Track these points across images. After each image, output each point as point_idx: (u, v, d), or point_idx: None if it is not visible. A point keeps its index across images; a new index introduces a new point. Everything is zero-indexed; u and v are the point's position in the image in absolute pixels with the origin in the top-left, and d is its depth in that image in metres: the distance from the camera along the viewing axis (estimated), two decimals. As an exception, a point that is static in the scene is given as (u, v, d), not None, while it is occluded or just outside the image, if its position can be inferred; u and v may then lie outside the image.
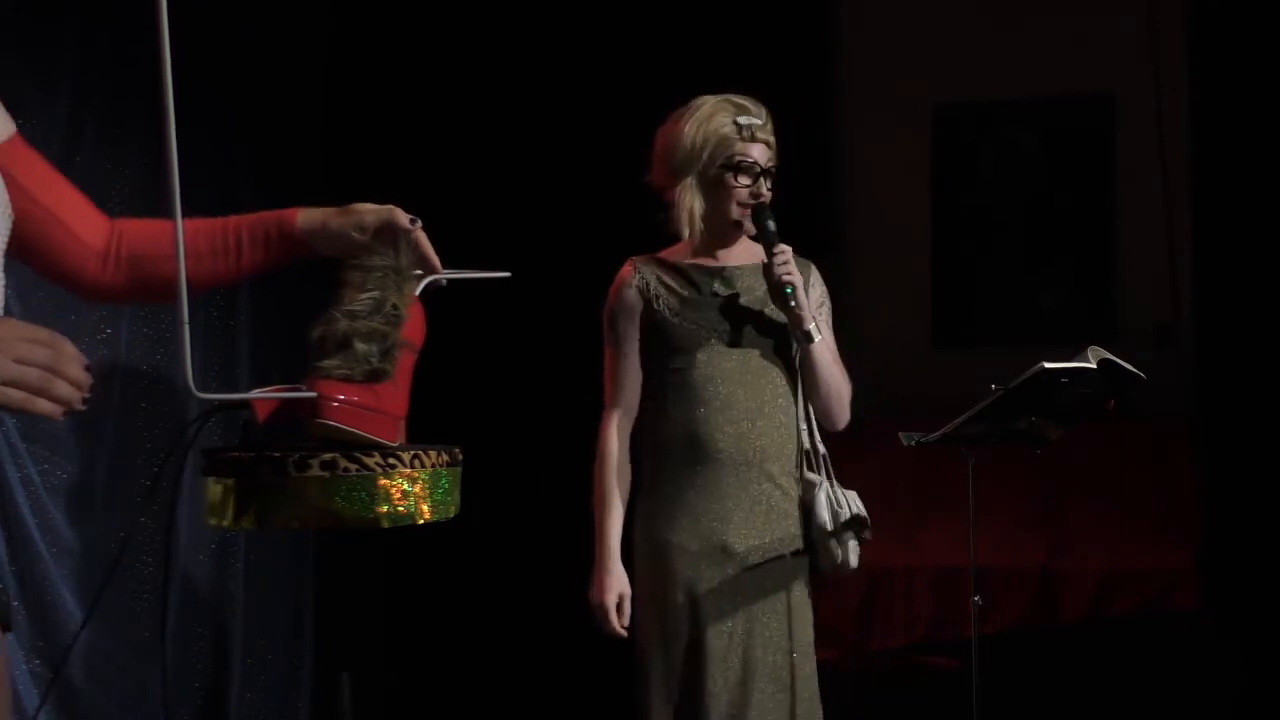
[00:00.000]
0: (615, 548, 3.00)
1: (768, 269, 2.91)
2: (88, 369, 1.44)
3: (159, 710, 3.46)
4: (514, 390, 4.93)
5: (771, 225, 2.93)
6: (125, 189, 3.53)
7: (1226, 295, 4.55)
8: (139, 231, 1.90)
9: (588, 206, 4.85)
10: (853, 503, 2.96)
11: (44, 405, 1.41)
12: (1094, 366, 3.05)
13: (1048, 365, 3.02)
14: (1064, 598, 4.17)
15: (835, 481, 2.99)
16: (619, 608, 2.97)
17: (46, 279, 1.87)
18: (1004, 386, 3.08)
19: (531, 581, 4.94)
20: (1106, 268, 5.07)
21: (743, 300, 2.99)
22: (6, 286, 1.70)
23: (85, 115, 3.43)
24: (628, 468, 3.05)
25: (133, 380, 3.54)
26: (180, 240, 1.49)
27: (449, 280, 1.92)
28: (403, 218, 1.86)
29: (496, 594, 4.96)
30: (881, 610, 4.34)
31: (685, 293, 2.99)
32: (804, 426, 3.00)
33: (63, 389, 1.41)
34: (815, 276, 3.07)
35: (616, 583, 2.98)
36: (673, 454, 2.97)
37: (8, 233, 1.72)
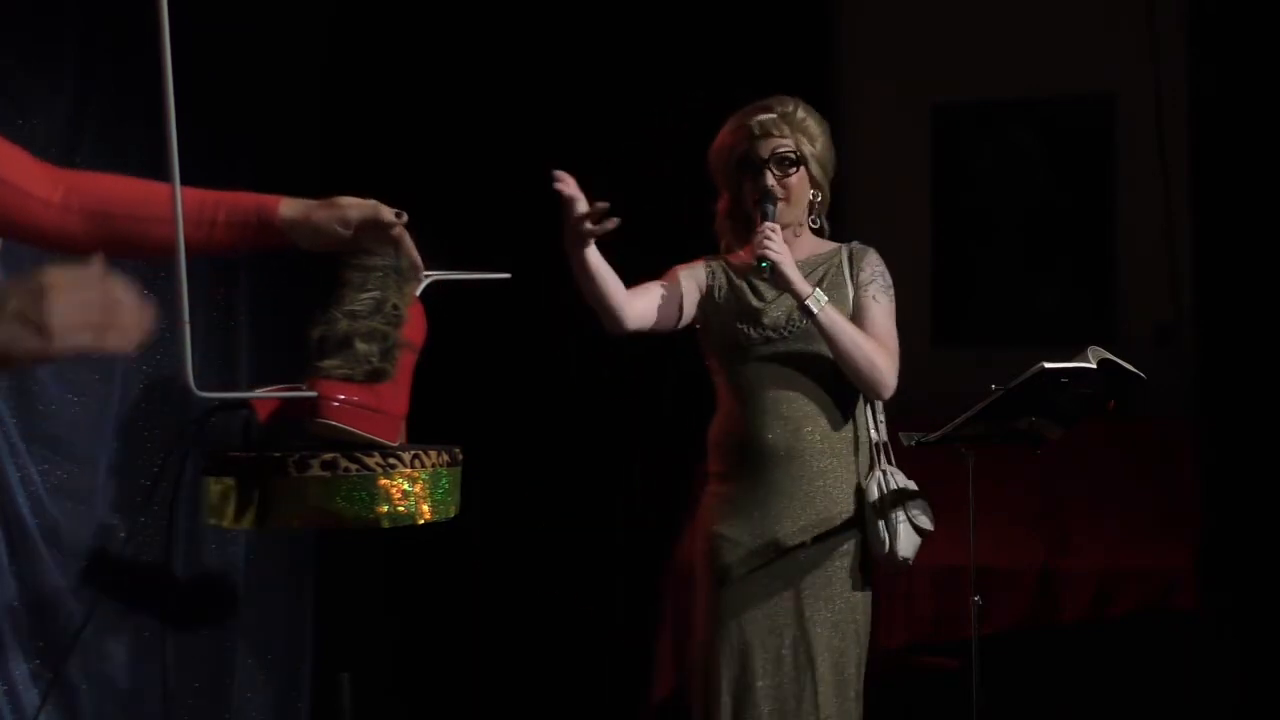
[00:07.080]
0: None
1: (753, 248, 2.93)
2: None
3: (159, 710, 3.46)
4: (514, 390, 4.93)
5: (769, 209, 2.96)
6: (125, 188, 3.52)
7: (1226, 295, 4.55)
8: (100, 187, 1.86)
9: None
10: (900, 480, 3.02)
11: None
12: (1094, 366, 3.04)
13: (1048, 365, 3.01)
14: (1064, 598, 4.16)
15: (892, 465, 3.03)
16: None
17: (4, 236, 1.81)
18: (1004, 386, 3.08)
19: (531, 581, 4.94)
20: (1106, 268, 5.06)
21: (787, 300, 3.00)
22: None
23: (86, 114, 3.42)
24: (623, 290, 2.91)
25: (133, 380, 3.53)
26: (180, 241, 1.49)
27: (449, 281, 1.92)
28: (387, 213, 1.83)
29: (496, 594, 4.96)
30: (882, 610, 4.31)
31: (739, 295, 3.04)
32: (866, 415, 3.05)
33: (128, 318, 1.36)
34: (870, 259, 3.11)
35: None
36: (726, 451, 3.02)
37: None
